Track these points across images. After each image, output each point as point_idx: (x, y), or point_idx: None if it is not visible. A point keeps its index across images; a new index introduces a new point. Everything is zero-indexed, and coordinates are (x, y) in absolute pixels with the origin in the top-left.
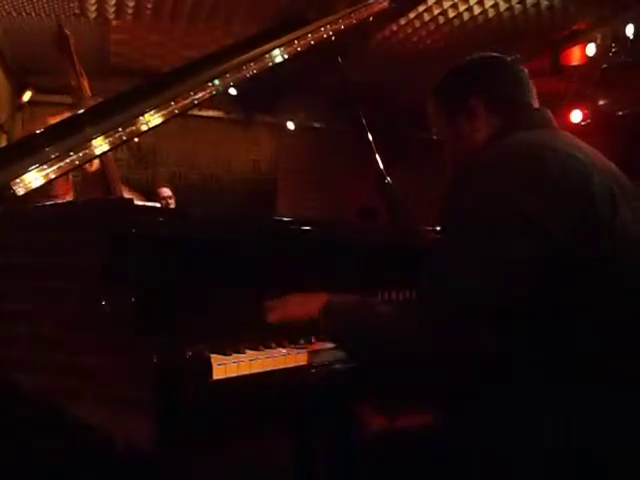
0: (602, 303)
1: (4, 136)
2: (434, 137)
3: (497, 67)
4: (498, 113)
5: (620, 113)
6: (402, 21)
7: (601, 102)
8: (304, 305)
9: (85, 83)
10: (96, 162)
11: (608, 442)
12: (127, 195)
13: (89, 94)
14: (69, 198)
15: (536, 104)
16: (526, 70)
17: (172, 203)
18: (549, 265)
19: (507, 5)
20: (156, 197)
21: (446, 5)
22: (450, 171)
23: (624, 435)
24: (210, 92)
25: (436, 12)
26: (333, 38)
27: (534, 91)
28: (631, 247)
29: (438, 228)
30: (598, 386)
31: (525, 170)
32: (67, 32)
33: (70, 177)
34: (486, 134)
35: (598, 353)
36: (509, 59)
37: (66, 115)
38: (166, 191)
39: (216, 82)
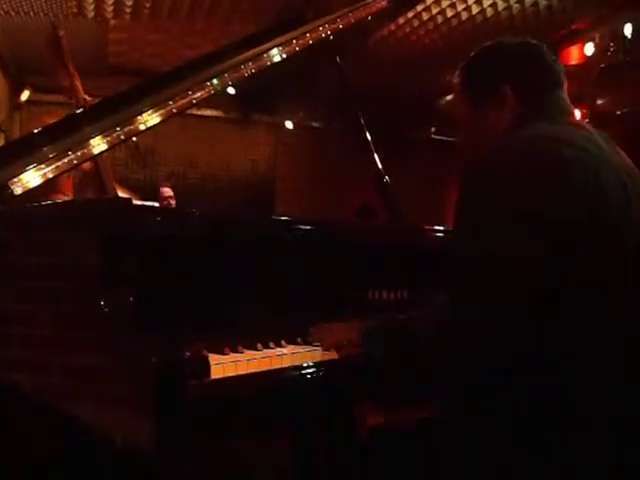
0: (618, 298)
1: (2, 135)
2: (432, 136)
3: (532, 54)
4: (525, 102)
5: (618, 112)
6: (400, 20)
7: (599, 101)
8: (344, 330)
9: (78, 84)
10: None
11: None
12: (122, 195)
13: (82, 94)
14: (70, 194)
15: (564, 93)
16: (559, 61)
17: (173, 203)
18: (565, 261)
19: (505, 4)
20: (157, 196)
21: (444, 4)
22: (466, 155)
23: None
24: (208, 91)
25: (434, 11)
26: (331, 37)
27: (564, 80)
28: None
29: (437, 227)
30: (605, 383)
31: (540, 168)
32: (61, 32)
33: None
34: (509, 121)
35: (600, 348)
36: (546, 49)
37: (60, 114)
38: (167, 191)
39: (214, 81)
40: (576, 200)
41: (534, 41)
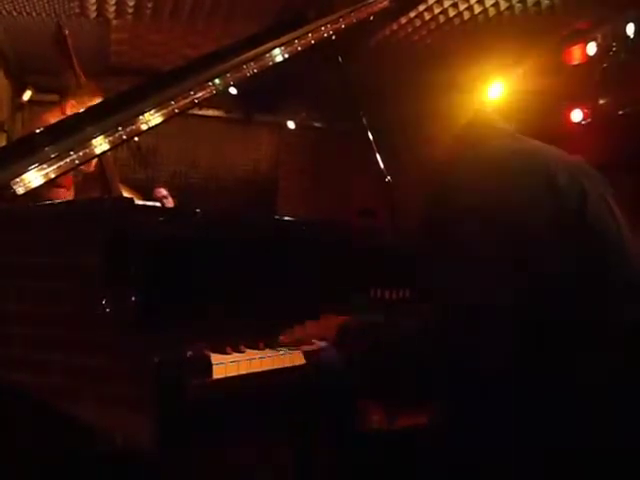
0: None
1: (4, 135)
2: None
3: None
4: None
5: (621, 112)
6: (403, 20)
7: (602, 101)
8: (321, 325)
9: (83, 82)
10: (94, 162)
11: (609, 441)
12: (126, 194)
13: (84, 88)
14: (71, 191)
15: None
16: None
17: (168, 202)
18: (531, 260)
19: (507, 4)
20: (154, 199)
21: (446, 4)
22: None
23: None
24: (210, 91)
25: (436, 11)
26: (334, 37)
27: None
28: (603, 233)
29: None
30: (592, 384)
31: (496, 179)
32: (66, 31)
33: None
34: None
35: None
36: None
37: (56, 111)
38: (161, 191)
39: (216, 81)
40: (536, 202)
41: None
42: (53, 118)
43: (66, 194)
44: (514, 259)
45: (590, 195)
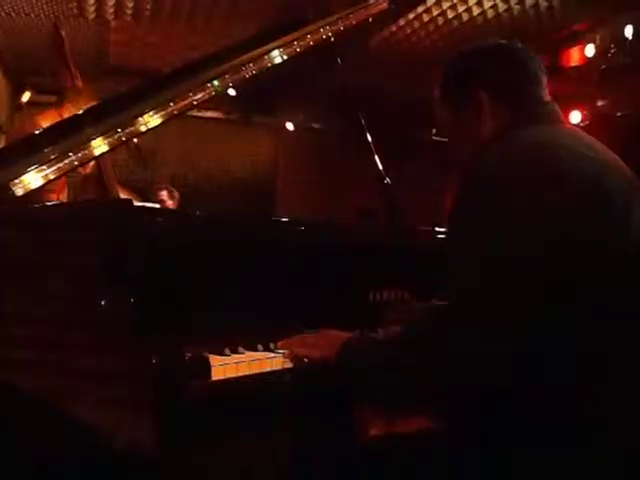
0: (620, 308)
1: (3, 137)
2: (433, 137)
3: (506, 56)
4: (505, 106)
5: (619, 114)
6: (401, 22)
7: (600, 103)
8: (321, 345)
9: (79, 84)
10: (92, 163)
11: (611, 442)
12: (124, 196)
13: (83, 94)
14: (64, 194)
15: (546, 96)
16: (538, 58)
17: (169, 204)
18: (566, 271)
19: (506, 6)
20: (155, 200)
21: (445, 6)
22: (457, 156)
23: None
24: (209, 93)
25: (435, 13)
26: (332, 39)
27: (545, 82)
28: None
29: (437, 229)
30: (599, 387)
31: (540, 176)
32: (62, 33)
33: None
34: (492, 129)
35: (605, 356)
36: (520, 46)
37: (51, 113)
38: (162, 194)
39: (215, 83)
40: (578, 210)
41: (507, 41)
42: (47, 121)
43: (57, 198)
44: (544, 273)
45: (632, 200)
